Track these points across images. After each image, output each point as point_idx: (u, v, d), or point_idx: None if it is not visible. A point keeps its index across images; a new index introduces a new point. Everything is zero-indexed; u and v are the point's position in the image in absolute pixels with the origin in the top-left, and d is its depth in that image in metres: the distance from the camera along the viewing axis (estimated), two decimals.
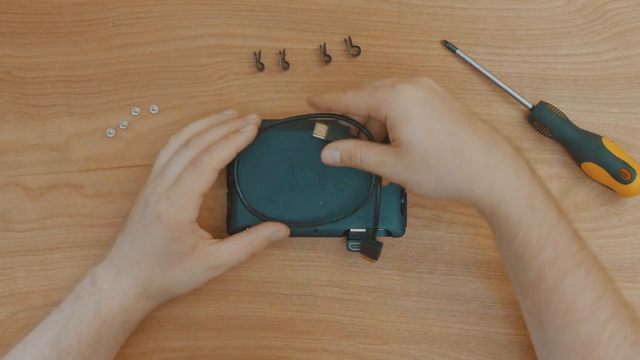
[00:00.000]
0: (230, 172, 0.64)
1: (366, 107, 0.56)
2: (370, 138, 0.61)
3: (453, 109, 0.55)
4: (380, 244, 0.63)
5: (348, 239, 0.64)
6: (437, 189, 0.55)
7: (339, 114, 0.61)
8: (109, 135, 0.68)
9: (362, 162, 0.58)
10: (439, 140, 0.54)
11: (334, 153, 0.59)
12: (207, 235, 0.62)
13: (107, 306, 0.59)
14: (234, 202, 0.64)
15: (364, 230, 0.63)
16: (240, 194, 0.63)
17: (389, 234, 0.64)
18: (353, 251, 0.64)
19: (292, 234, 0.64)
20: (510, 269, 0.58)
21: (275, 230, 0.62)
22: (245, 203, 0.63)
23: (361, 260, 0.67)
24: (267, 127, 0.63)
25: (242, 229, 0.63)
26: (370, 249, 0.63)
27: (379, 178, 0.61)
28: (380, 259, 0.66)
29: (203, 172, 0.59)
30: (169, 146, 0.63)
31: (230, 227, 0.64)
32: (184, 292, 0.62)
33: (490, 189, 0.54)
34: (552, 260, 0.54)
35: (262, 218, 0.63)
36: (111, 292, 0.60)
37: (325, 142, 0.60)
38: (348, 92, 0.58)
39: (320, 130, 0.61)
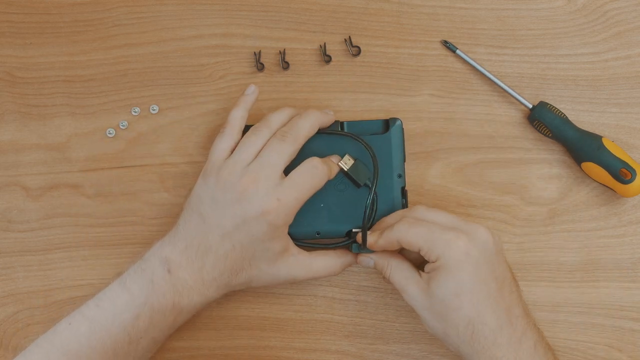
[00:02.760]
0: None
1: (417, 246, 0.57)
2: (374, 157, 0.61)
3: (491, 277, 0.57)
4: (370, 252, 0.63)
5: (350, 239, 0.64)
6: (441, 339, 0.58)
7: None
8: (109, 135, 0.68)
9: (390, 278, 0.60)
10: (461, 306, 0.56)
11: (369, 261, 0.62)
12: (292, 241, 0.62)
13: (188, 297, 0.58)
14: None
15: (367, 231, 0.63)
16: None
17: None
18: (355, 251, 0.64)
19: (294, 237, 0.63)
20: None
21: (353, 260, 0.63)
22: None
23: None
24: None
25: None
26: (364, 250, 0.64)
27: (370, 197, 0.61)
28: None
29: (318, 183, 0.59)
30: (258, 133, 0.61)
31: None
32: (257, 287, 0.62)
33: None
34: None
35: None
36: (192, 283, 0.58)
37: (342, 172, 0.63)
38: (399, 227, 0.58)
39: (346, 163, 0.63)
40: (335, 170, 0.62)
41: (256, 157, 0.59)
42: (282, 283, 0.62)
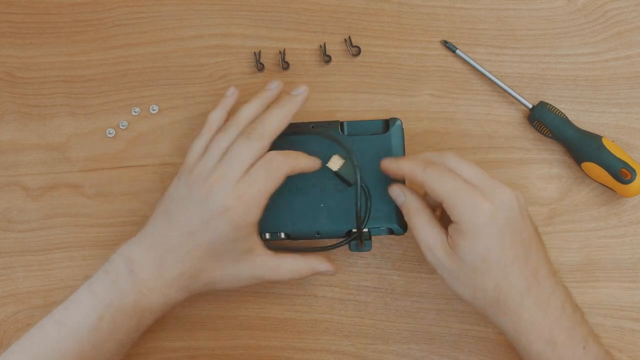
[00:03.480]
0: None
1: (441, 198, 0.56)
2: (350, 152, 0.61)
3: (517, 240, 0.56)
4: (369, 245, 0.63)
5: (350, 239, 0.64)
6: (467, 301, 0.58)
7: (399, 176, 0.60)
8: (109, 135, 0.68)
9: (413, 229, 0.58)
10: (489, 270, 0.55)
11: (401, 196, 0.60)
12: (260, 242, 0.61)
13: (148, 297, 0.58)
14: None
15: (367, 230, 0.63)
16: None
17: (391, 232, 0.64)
18: (353, 250, 0.64)
19: (294, 237, 0.64)
20: None
21: (327, 269, 0.62)
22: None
23: (361, 260, 0.67)
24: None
25: None
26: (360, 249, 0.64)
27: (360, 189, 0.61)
28: (380, 258, 0.67)
29: (275, 175, 0.58)
30: (225, 131, 0.60)
31: None
32: (221, 289, 0.61)
33: (515, 322, 0.56)
34: None
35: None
36: (153, 283, 0.58)
37: (332, 172, 0.62)
38: (429, 172, 0.57)
39: (335, 163, 0.62)
40: (302, 161, 0.61)
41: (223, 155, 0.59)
42: (247, 284, 0.61)
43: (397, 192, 0.60)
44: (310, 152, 0.62)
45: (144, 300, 0.58)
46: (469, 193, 0.55)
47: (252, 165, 0.58)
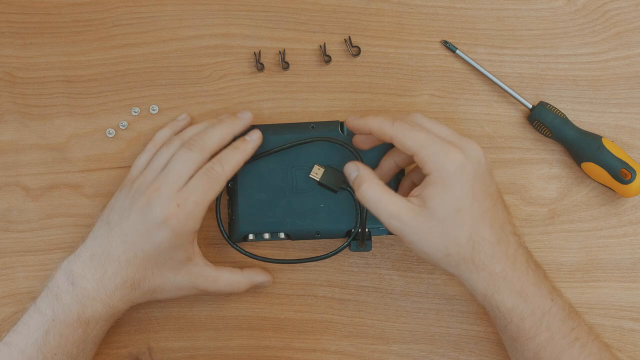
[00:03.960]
0: (231, 179, 0.64)
1: (412, 150, 0.56)
2: (344, 143, 0.62)
3: (486, 193, 0.56)
4: (369, 245, 0.64)
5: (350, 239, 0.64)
6: (439, 260, 0.57)
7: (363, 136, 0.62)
8: (109, 135, 0.68)
9: (369, 203, 0.57)
10: (463, 222, 0.55)
11: (352, 173, 0.59)
12: (200, 253, 0.62)
13: (91, 307, 0.59)
14: (235, 210, 0.64)
15: (367, 230, 0.63)
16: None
17: (391, 232, 0.63)
18: (352, 250, 0.64)
19: (294, 237, 0.64)
20: (509, 348, 0.60)
21: (265, 280, 0.65)
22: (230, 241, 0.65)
23: (361, 260, 0.67)
24: (262, 153, 0.64)
25: (244, 236, 0.64)
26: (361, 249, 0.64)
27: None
28: (380, 258, 0.67)
29: (215, 183, 0.59)
30: (169, 144, 0.63)
31: (232, 236, 0.64)
32: (162, 299, 0.62)
33: (488, 277, 0.56)
34: (547, 342, 0.56)
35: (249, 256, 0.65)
36: (95, 293, 0.59)
37: (317, 183, 0.63)
38: (398, 125, 0.57)
39: (317, 173, 0.63)
40: (242, 155, 0.61)
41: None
42: (188, 293, 0.62)
43: (351, 169, 0.59)
44: (308, 158, 0.63)
45: (87, 311, 0.59)
46: (440, 143, 0.56)
47: (192, 176, 0.59)
